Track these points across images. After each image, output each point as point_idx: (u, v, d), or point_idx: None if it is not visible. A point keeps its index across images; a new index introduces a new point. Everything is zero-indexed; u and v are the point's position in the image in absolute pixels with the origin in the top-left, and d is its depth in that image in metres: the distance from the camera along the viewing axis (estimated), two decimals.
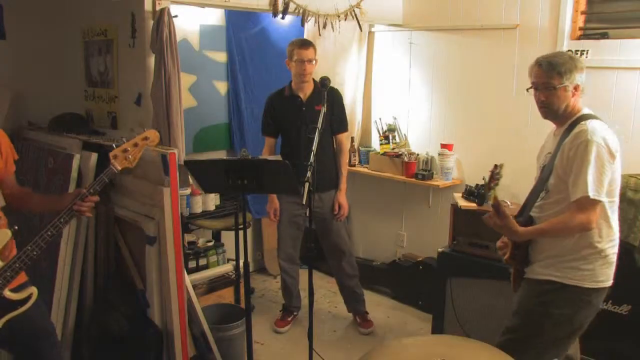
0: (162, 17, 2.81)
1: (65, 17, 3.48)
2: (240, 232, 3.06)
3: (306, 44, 3.45)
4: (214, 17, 4.07)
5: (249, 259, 2.72)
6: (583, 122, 2.12)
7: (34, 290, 2.05)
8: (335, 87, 3.78)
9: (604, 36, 3.36)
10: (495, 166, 2.18)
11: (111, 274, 3.00)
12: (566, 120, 2.20)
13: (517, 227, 2.15)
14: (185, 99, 3.55)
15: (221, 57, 4.18)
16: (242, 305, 3.25)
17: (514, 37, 3.69)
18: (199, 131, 4.14)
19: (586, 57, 3.39)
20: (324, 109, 2.81)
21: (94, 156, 2.88)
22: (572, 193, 2.06)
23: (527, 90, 2.26)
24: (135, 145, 2.17)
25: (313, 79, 3.55)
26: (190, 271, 3.39)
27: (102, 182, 2.10)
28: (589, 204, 2.03)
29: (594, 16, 3.45)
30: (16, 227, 2.03)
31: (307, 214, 3.55)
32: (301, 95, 3.52)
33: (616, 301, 3.03)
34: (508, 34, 3.72)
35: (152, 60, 2.91)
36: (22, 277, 2.09)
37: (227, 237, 3.80)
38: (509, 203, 3.28)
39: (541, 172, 2.28)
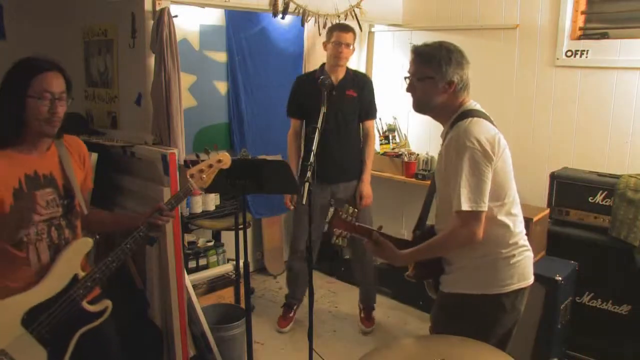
0: (162, 17, 2.81)
1: (65, 17, 3.48)
2: (240, 232, 3.06)
3: (347, 29, 3.45)
4: (214, 17, 4.07)
5: (249, 259, 2.72)
6: (459, 123, 1.93)
7: (109, 303, 2.04)
8: None
9: (604, 36, 3.36)
10: (337, 210, 2.07)
11: (111, 274, 3.00)
12: (448, 119, 2.02)
13: (396, 252, 2.03)
14: (185, 99, 3.55)
15: (221, 57, 4.18)
16: (242, 305, 3.25)
17: (514, 37, 3.69)
18: (199, 131, 4.14)
19: (586, 57, 3.40)
20: (323, 109, 2.81)
21: (94, 156, 2.87)
22: (453, 205, 1.88)
23: (405, 78, 2.09)
24: (210, 166, 2.19)
25: (347, 67, 3.55)
26: (190, 271, 3.39)
27: (179, 199, 2.13)
28: (469, 216, 1.85)
29: (594, 16, 3.45)
30: (97, 236, 2.02)
31: (331, 203, 3.63)
32: (333, 78, 3.46)
33: (616, 301, 3.03)
34: (508, 34, 3.72)
35: (152, 60, 2.91)
36: (97, 290, 2.07)
37: (227, 237, 3.80)
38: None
39: (432, 177, 2.14)
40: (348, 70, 3.56)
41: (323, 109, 2.80)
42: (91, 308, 1.99)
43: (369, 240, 2.09)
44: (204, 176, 2.17)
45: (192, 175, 2.15)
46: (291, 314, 3.82)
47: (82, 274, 1.95)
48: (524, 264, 2.02)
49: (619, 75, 3.29)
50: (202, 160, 2.19)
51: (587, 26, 3.46)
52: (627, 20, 3.33)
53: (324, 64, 3.57)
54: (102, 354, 2.13)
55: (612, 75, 3.31)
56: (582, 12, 3.45)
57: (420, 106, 2.06)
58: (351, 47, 3.45)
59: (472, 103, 2.04)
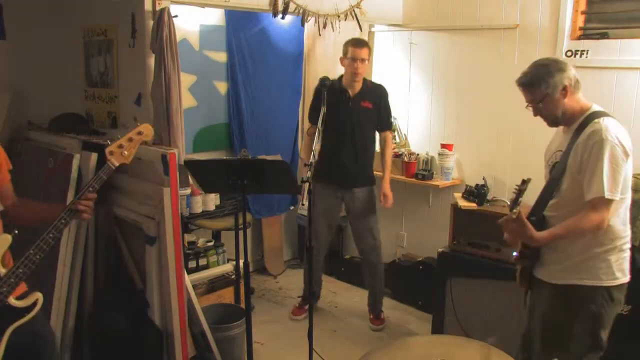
0: (162, 17, 2.81)
1: (65, 17, 3.48)
2: (240, 232, 3.06)
3: (361, 44, 3.54)
4: (214, 17, 4.07)
5: (249, 259, 2.72)
6: (596, 120, 2.09)
7: (39, 296, 2.00)
8: None
9: (604, 36, 3.36)
10: (523, 181, 2.12)
11: (111, 274, 3.00)
12: (574, 120, 2.18)
13: (535, 233, 2.12)
14: (185, 99, 3.55)
15: (221, 57, 4.18)
16: (242, 305, 3.25)
17: (514, 37, 3.69)
18: (199, 131, 4.14)
19: (586, 57, 3.40)
20: (323, 109, 2.81)
21: (94, 156, 2.88)
22: (587, 193, 2.05)
23: (526, 107, 2.26)
24: (130, 140, 2.13)
25: (363, 77, 3.65)
26: (190, 271, 3.38)
27: (100, 180, 2.06)
28: (603, 204, 2.02)
29: (594, 16, 3.45)
30: (16, 232, 1.98)
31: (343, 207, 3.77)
32: (350, 91, 3.59)
33: None
34: (508, 34, 3.72)
35: (152, 60, 2.91)
36: (23, 287, 2.02)
37: (227, 237, 3.80)
38: (509, 203, 3.28)
39: (551, 170, 2.26)
40: (365, 81, 3.66)
41: (323, 109, 2.80)
42: (19, 303, 1.94)
43: (508, 218, 2.15)
44: (125, 152, 2.10)
45: (111, 153, 2.08)
46: (307, 306, 3.89)
47: (3, 271, 1.90)
48: (627, 261, 2.18)
49: (619, 75, 3.29)
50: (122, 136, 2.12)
51: (587, 26, 3.46)
52: (627, 20, 3.33)
53: (342, 76, 3.66)
54: (37, 348, 2.10)
55: (612, 75, 3.31)
56: (582, 12, 3.45)
57: (553, 121, 2.24)
58: (366, 61, 3.55)
59: (596, 106, 2.19)
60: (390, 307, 4.11)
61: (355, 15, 3.81)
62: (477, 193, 3.32)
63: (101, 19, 3.29)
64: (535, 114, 2.23)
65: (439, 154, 4.06)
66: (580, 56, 3.41)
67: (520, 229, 2.13)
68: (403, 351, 1.89)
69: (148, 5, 2.90)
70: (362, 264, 3.97)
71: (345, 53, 3.55)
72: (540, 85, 2.14)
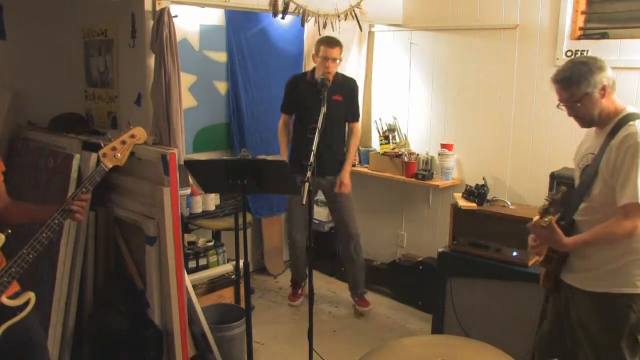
0: (162, 17, 2.81)
1: (65, 17, 3.48)
2: (240, 232, 3.06)
3: (333, 43, 3.62)
4: (214, 17, 4.07)
5: (249, 259, 2.72)
6: (631, 123, 2.03)
7: (31, 295, 2.00)
8: None
9: (604, 36, 3.36)
10: (557, 191, 2.09)
11: (111, 274, 3.00)
12: (608, 121, 2.12)
13: (564, 239, 2.09)
14: (185, 99, 3.55)
15: (221, 57, 4.18)
16: (242, 305, 3.25)
17: (514, 37, 3.69)
18: (199, 131, 4.14)
19: None
20: (323, 109, 2.81)
21: (94, 156, 2.88)
22: (619, 198, 1.99)
23: (558, 106, 2.19)
24: (123, 142, 2.16)
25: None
26: (190, 271, 3.38)
27: (93, 181, 2.08)
28: (636, 210, 1.96)
29: (594, 16, 3.45)
30: (9, 231, 1.98)
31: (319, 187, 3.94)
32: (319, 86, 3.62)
33: None
34: (508, 34, 3.72)
35: (152, 60, 2.91)
36: (15, 286, 2.02)
37: (227, 237, 3.80)
38: (509, 204, 3.28)
39: (582, 172, 2.21)
40: (337, 75, 3.76)
41: (323, 109, 2.80)
42: (12, 302, 1.95)
43: (536, 222, 2.11)
44: (118, 154, 2.14)
45: (104, 155, 2.11)
46: (300, 291, 4.19)
47: None
48: None
49: (619, 75, 3.26)
50: (115, 138, 2.16)
51: (587, 26, 3.46)
52: (626, 20, 3.33)
53: (314, 68, 3.78)
54: (28, 347, 2.09)
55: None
56: (582, 12, 3.45)
57: (588, 122, 2.17)
58: (337, 60, 3.65)
59: (630, 107, 2.13)
60: (390, 307, 4.11)
61: (355, 15, 3.81)
62: (477, 193, 3.32)
63: (101, 19, 3.29)
64: (570, 114, 2.16)
65: (439, 154, 4.06)
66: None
67: (549, 235, 2.09)
68: (403, 351, 1.89)
69: (148, 5, 2.90)
70: (343, 251, 4.10)
71: (317, 51, 3.66)
72: (581, 83, 2.07)
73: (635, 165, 1.96)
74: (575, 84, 2.08)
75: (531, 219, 2.18)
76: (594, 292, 2.13)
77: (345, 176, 3.84)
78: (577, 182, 2.28)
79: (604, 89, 2.08)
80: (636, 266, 2.07)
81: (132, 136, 2.18)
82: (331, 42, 3.61)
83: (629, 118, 2.06)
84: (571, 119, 2.22)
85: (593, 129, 2.22)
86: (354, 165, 4.43)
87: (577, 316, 2.23)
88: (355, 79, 4.03)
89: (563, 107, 2.17)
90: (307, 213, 3.78)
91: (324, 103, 2.87)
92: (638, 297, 2.08)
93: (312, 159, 2.54)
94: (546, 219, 2.05)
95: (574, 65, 2.11)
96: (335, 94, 3.68)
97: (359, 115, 3.95)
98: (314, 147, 2.63)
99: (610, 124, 2.11)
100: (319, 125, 2.73)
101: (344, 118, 3.87)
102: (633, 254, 2.07)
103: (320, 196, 4.39)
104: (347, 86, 3.83)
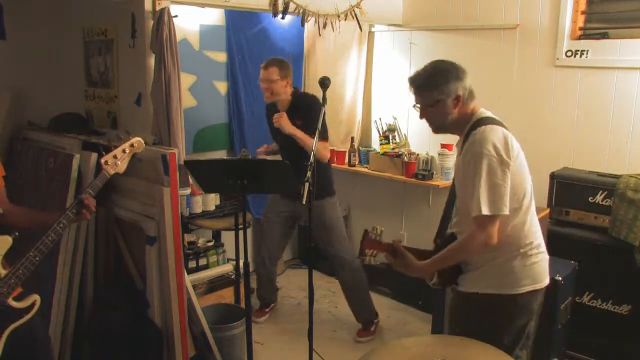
0: (162, 17, 2.81)
1: (65, 17, 3.48)
2: (240, 232, 3.06)
3: (266, 65, 3.42)
4: (214, 17, 4.07)
5: (249, 259, 2.72)
6: (474, 132, 1.99)
7: (37, 298, 2.04)
8: (335, 86, 3.78)
9: (604, 36, 3.36)
10: (366, 231, 2.09)
11: (111, 274, 3.00)
12: (462, 129, 2.09)
13: (416, 264, 2.08)
14: (185, 99, 3.55)
15: (221, 57, 4.18)
16: (242, 305, 3.25)
17: (514, 37, 3.69)
18: (199, 131, 4.14)
19: (586, 57, 3.40)
20: (324, 109, 2.81)
21: (94, 156, 2.88)
22: (470, 211, 1.95)
23: (413, 107, 2.17)
24: (124, 151, 2.34)
25: (294, 92, 3.50)
26: (190, 271, 3.39)
27: (96, 187, 2.21)
28: (486, 221, 1.92)
29: (594, 16, 3.45)
30: (16, 234, 2.02)
31: (297, 213, 3.67)
32: (280, 108, 3.51)
33: (616, 301, 3.03)
34: (508, 34, 3.72)
35: (152, 60, 2.91)
36: (18, 288, 2.04)
37: (227, 237, 3.80)
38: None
39: (452, 185, 2.20)
40: (294, 95, 3.50)
41: (323, 109, 2.80)
42: (18, 304, 1.99)
43: (388, 254, 2.11)
44: (119, 162, 2.32)
45: (106, 162, 2.28)
46: (267, 310, 3.98)
47: (3, 272, 1.95)
48: (539, 266, 2.07)
49: (619, 75, 3.29)
50: (116, 147, 2.33)
51: (587, 26, 3.46)
52: (627, 20, 3.33)
53: None
54: (33, 349, 2.12)
55: (612, 75, 3.31)
56: (582, 12, 3.45)
57: (439, 128, 2.15)
58: (276, 82, 3.39)
59: (483, 111, 2.11)
60: (390, 307, 4.11)
61: (355, 15, 3.81)
62: None
63: (101, 19, 3.29)
64: (421, 117, 2.14)
65: (439, 154, 4.06)
66: (580, 56, 3.41)
67: (400, 262, 2.07)
68: (403, 351, 1.88)
69: (148, 5, 2.90)
70: (340, 280, 3.80)
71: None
72: (435, 89, 2.04)
73: (477, 176, 1.92)
74: (428, 90, 2.06)
75: None
76: (463, 291, 2.13)
77: (287, 123, 3.39)
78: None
79: (457, 98, 2.04)
80: (505, 268, 2.03)
81: (132, 145, 2.38)
82: (265, 64, 3.41)
83: (475, 125, 2.02)
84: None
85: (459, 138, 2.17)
86: (353, 165, 4.44)
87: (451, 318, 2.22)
88: (346, 95, 3.84)
89: (417, 108, 2.15)
90: (284, 227, 3.71)
91: (324, 103, 2.87)
92: (502, 298, 2.03)
93: (312, 159, 2.55)
94: (374, 228, 2.08)
95: (432, 70, 2.08)
96: (294, 118, 3.40)
97: (323, 133, 3.40)
98: (314, 146, 2.64)
99: (464, 133, 2.07)
100: (319, 125, 2.73)
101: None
102: (501, 256, 2.03)
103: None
104: (304, 107, 3.43)
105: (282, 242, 3.89)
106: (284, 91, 3.45)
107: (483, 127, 1.99)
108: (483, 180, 1.91)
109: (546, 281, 2.11)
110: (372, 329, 3.73)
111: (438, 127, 2.15)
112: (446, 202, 2.23)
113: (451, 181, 2.21)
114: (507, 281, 2.04)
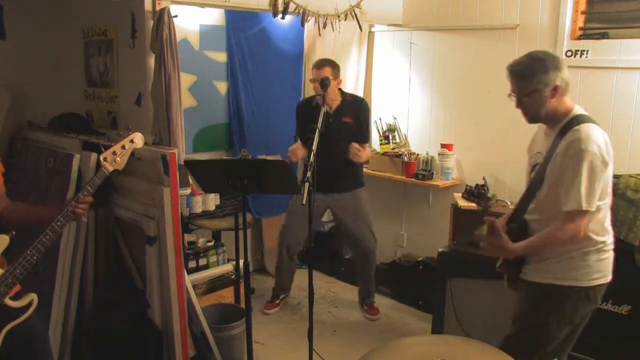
0: (162, 17, 2.81)
1: (65, 17, 3.48)
2: (240, 232, 3.06)
3: (320, 64, 3.61)
4: (214, 17, 4.07)
5: (249, 259, 2.72)
6: (577, 128, 2.04)
7: (34, 297, 2.03)
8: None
9: (604, 36, 3.36)
10: (488, 198, 2.16)
11: (111, 274, 3.00)
12: (557, 122, 2.13)
13: (510, 245, 2.12)
14: (185, 99, 3.55)
15: (221, 57, 4.18)
16: (242, 305, 3.25)
17: (514, 37, 3.69)
18: (199, 131, 4.14)
19: (586, 57, 3.40)
20: (324, 109, 2.81)
21: (94, 156, 2.88)
22: (564, 204, 2.02)
23: (509, 96, 2.20)
24: (123, 147, 2.30)
25: (342, 92, 3.72)
26: (190, 271, 3.38)
27: (94, 184, 2.18)
28: (579, 215, 2.01)
29: (594, 16, 3.45)
30: (14, 233, 2.01)
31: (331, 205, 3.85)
32: (328, 106, 3.61)
33: (616, 301, 3.03)
34: (508, 34, 3.72)
35: (152, 60, 2.91)
36: (16, 287, 2.04)
37: (227, 237, 3.80)
38: (509, 204, 3.28)
39: (531, 172, 2.25)
40: (345, 95, 3.73)
41: (323, 109, 2.80)
42: (15, 304, 1.97)
43: (486, 234, 2.15)
44: (118, 159, 2.28)
45: (105, 159, 2.24)
46: (277, 302, 4.08)
47: (0, 271, 1.94)
48: (609, 261, 2.18)
49: (619, 75, 3.29)
50: (115, 143, 2.29)
51: (587, 26, 3.46)
52: (627, 20, 3.33)
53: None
54: (30, 348, 2.11)
55: (612, 75, 3.31)
56: (582, 12, 3.45)
57: (533, 118, 2.18)
58: (328, 81, 3.45)
59: (578, 108, 2.14)
60: (390, 307, 4.11)
61: (355, 15, 3.81)
62: (477, 193, 3.32)
63: (101, 19, 3.29)
64: (517, 106, 2.17)
65: (439, 154, 4.06)
66: (580, 56, 3.41)
67: (495, 241, 2.11)
68: (403, 351, 1.89)
69: (148, 5, 2.90)
70: (355, 262, 4.06)
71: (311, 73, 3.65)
72: (532, 78, 2.07)
73: (579, 172, 1.98)
74: (527, 79, 2.09)
75: None
76: (535, 282, 2.19)
77: (365, 148, 3.68)
78: (527, 177, 2.31)
79: (555, 89, 2.07)
80: (579, 260, 2.12)
81: (132, 141, 2.34)
82: (318, 64, 3.61)
83: (575, 122, 2.07)
84: None
85: (543, 127, 2.24)
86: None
87: (519, 307, 2.28)
88: (365, 99, 3.95)
89: (513, 98, 2.17)
90: (306, 220, 3.79)
91: (324, 103, 2.88)
92: (577, 290, 2.13)
93: (312, 158, 2.54)
94: (484, 227, 2.11)
95: (531, 59, 2.11)
96: (344, 116, 3.66)
97: (368, 138, 3.86)
98: (314, 147, 2.64)
99: (559, 126, 2.12)
100: (319, 124, 2.74)
101: (353, 140, 3.68)
102: (577, 249, 2.11)
103: (329, 217, 4.31)
104: (355, 108, 3.72)
105: (304, 234, 3.93)
106: (335, 91, 3.65)
107: (586, 124, 2.04)
108: (583, 177, 1.97)
109: (611, 276, 2.19)
110: (376, 306, 4.01)
111: (532, 117, 2.17)
112: (528, 189, 2.24)
113: (532, 168, 2.26)
114: (582, 273, 2.12)
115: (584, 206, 1.98)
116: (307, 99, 3.88)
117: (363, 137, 3.76)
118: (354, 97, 3.83)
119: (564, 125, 2.09)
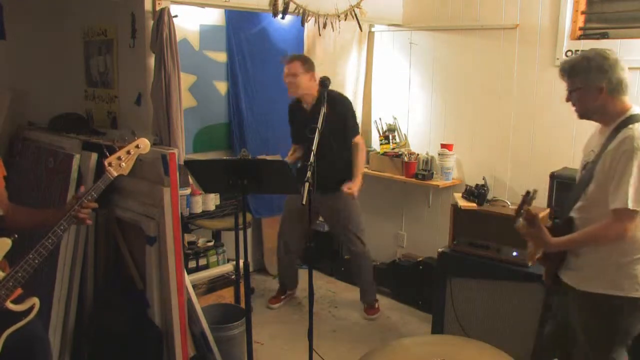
0: (162, 17, 2.81)
1: (65, 17, 3.48)
2: (240, 232, 3.06)
3: (289, 59, 3.57)
4: (214, 17, 4.07)
5: (249, 259, 2.72)
6: (630, 126, 2.02)
7: (36, 300, 2.02)
8: (335, 87, 3.78)
9: (604, 36, 3.36)
10: (528, 192, 2.11)
11: (111, 274, 3.00)
12: (610, 121, 2.11)
13: (550, 238, 2.12)
14: (185, 99, 3.55)
15: (221, 57, 4.18)
16: (242, 305, 3.25)
17: (514, 37, 3.69)
18: (199, 131, 4.14)
19: None
20: (324, 109, 2.81)
21: (94, 156, 2.88)
22: (611, 202, 2.00)
23: (566, 89, 2.22)
24: (128, 152, 2.27)
25: (321, 87, 3.50)
26: (190, 271, 3.38)
27: (98, 189, 2.16)
28: (627, 214, 1.97)
29: (594, 16, 3.45)
30: (15, 236, 2.00)
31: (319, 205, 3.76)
32: (305, 105, 3.64)
33: None
34: (508, 34, 3.72)
35: (152, 60, 2.91)
36: (17, 290, 2.02)
37: (227, 237, 3.80)
38: (509, 204, 3.28)
39: (583, 168, 2.23)
40: (325, 92, 3.41)
41: (323, 110, 2.80)
42: (16, 307, 1.97)
43: (528, 221, 2.14)
44: (123, 164, 2.25)
45: (110, 164, 2.22)
46: (283, 297, 4.12)
47: (1, 274, 1.93)
48: None
49: None
50: (120, 148, 2.26)
51: (587, 26, 3.46)
52: (627, 20, 3.33)
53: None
54: (32, 352, 2.10)
55: None
56: (582, 12, 3.45)
57: (581, 114, 2.19)
58: (300, 75, 3.52)
59: (635, 107, 2.11)
60: (390, 307, 4.11)
61: (355, 15, 3.81)
62: (477, 193, 3.32)
63: (101, 19, 3.29)
64: (567, 100, 2.20)
65: (439, 154, 4.06)
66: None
67: (536, 234, 2.11)
68: (403, 351, 1.89)
69: (148, 5, 2.90)
70: (352, 263, 4.03)
71: None
72: (575, 76, 2.10)
73: (628, 170, 1.96)
74: (571, 76, 2.12)
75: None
76: (585, 291, 2.14)
77: (355, 182, 3.67)
78: (578, 176, 2.29)
79: (600, 90, 2.06)
80: (627, 269, 2.06)
81: (137, 146, 2.30)
82: (288, 59, 3.56)
83: (629, 121, 2.05)
84: (571, 119, 2.23)
85: (600, 126, 2.21)
86: None
87: (573, 314, 2.24)
88: (346, 95, 3.93)
89: (568, 91, 2.19)
90: (303, 219, 3.74)
91: (323, 103, 2.87)
92: (626, 300, 2.06)
93: (312, 158, 2.54)
94: (518, 222, 2.10)
95: (580, 58, 2.12)
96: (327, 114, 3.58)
97: (357, 130, 3.78)
98: (314, 147, 2.64)
99: (613, 124, 2.10)
100: (319, 124, 2.74)
101: (342, 136, 3.66)
102: (623, 257, 2.06)
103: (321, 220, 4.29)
104: (336, 104, 3.53)
105: (301, 232, 3.93)
106: (309, 85, 3.58)
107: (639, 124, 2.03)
108: (634, 177, 1.95)
109: None
110: (377, 306, 3.97)
111: (581, 113, 2.18)
112: (577, 186, 2.23)
113: (583, 166, 2.23)
114: (631, 284, 2.06)
115: (631, 205, 1.95)
116: (297, 99, 3.81)
117: (348, 130, 3.68)
118: (330, 91, 3.60)
119: (619, 124, 2.07)
